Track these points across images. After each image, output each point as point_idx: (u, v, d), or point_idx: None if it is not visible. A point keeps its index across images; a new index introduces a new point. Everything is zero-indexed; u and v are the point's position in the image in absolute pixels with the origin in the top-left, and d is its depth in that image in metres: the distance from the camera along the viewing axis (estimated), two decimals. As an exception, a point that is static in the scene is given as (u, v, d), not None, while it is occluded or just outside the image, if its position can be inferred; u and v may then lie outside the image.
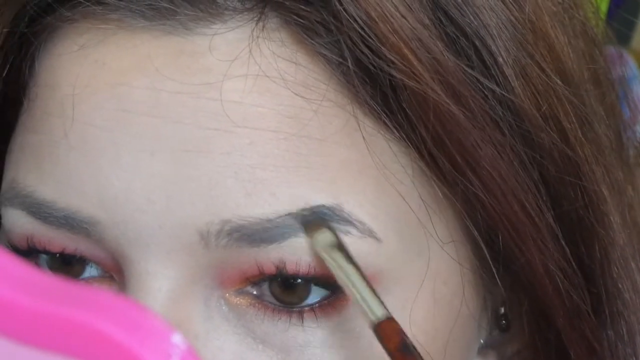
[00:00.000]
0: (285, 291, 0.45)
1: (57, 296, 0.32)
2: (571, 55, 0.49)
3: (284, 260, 0.44)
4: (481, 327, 0.51)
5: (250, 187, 0.44)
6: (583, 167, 0.49)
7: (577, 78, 0.49)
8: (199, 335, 0.45)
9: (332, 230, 0.44)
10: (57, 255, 0.47)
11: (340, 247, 0.43)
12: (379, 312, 0.43)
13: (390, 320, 0.42)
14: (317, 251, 0.44)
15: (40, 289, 0.32)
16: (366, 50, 0.44)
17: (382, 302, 0.43)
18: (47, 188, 0.46)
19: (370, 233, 0.45)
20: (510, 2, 0.47)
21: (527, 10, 0.48)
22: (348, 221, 0.44)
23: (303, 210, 0.44)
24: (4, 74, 0.49)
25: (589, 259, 0.50)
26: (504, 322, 0.51)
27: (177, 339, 0.31)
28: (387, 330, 0.42)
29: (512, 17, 0.47)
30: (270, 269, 0.44)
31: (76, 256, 0.46)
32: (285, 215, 0.44)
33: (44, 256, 0.47)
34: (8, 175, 0.48)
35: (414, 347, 0.42)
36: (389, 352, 0.42)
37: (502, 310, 0.51)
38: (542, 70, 0.48)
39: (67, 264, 0.47)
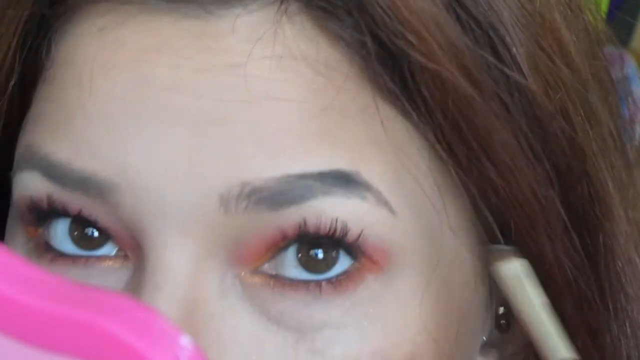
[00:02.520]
0: (312, 260, 0.45)
1: (65, 298, 0.32)
2: (578, 51, 0.50)
3: (304, 220, 0.44)
4: (485, 322, 0.51)
5: (271, 152, 0.44)
6: (590, 160, 0.49)
7: (584, 73, 0.50)
8: (215, 313, 0.45)
9: (520, 259, 0.43)
10: (79, 220, 0.46)
11: (532, 281, 0.43)
12: (565, 353, 0.42)
13: None
14: (503, 279, 0.43)
15: (49, 290, 0.32)
16: (387, 32, 0.45)
17: (567, 342, 0.42)
18: (62, 150, 0.45)
19: (385, 203, 0.45)
20: None
21: (537, 3, 0.48)
22: (365, 187, 0.45)
23: (322, 173, 0.44)
24: (23, 56, 0.49)
25: (594, 252, 0.50)
26: (503, 321, 0.51)
27: (185, 340, 0.31)
28: None
29: (523, 10, 0.48)
30: (291, 231, 0.44)
31: (97, 225, 0.46)
32: (304, 175, 0.44)
33: (62, 224, 0.47)
34: (23, 142, 0.47)
35: None
36: None
37: (502, 309, 0.51)
38: (553, 62, 0.48)
39: (88, 236, 0.47)
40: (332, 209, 0.44)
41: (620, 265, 0.51)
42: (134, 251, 0.46)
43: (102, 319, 0.32)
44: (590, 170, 0.49)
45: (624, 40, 1.25)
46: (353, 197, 0.45)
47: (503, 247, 0.44)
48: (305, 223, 0.44)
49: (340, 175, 0.44)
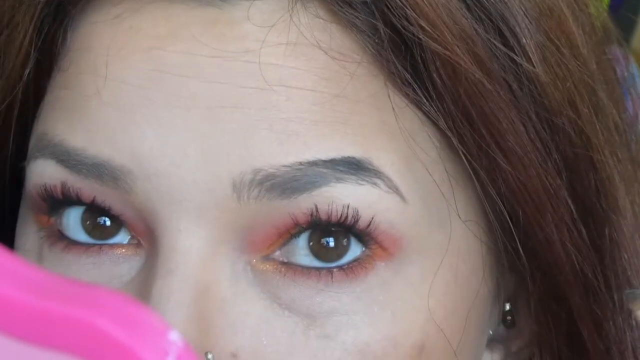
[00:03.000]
0: (323, 248, 0.46)
1: (53, 292, 0.32)
2: (585, 45, 0.51)
3: (315, 207, 0.45)
4: (492, 315, 0.51)
5: (283, 138, 0.45)
6: (597, 152, 0.50)
7: (591, 66, 0.51)
8: (226, 298, 0.45)
9: None
10: (92, 209, 0.46)
11: None
12: None
13: None
14: None
15: (38, 285, 0.32)
16: (399, 19, 0.46)
17: None
18: (77, 136, 0.46)
19: (396, 190, 0.46)
20: None
21: None
22: (376, 174, 0.45)
23: (333, 160, 0.45)
24: (39, 43, 0.49)
25: (600, 243, 0.51)
26: (509, 318, 0.52)
27: (174, 336, 0.31)
28: None
29: (533, 2, 0.49)
30: (303, 218, 0.45)
31: (111, 213, 0.46)
32: (315, 162, 0.45)
33: (74, 212, 0.47)
34: (37, 130, 0.48)
35: None
36: None
37: (508, 306, 0.52)
38: (561, 54, 0.49)
39: (101, 225, 0.47)
40: (343, 196, 0.45)
41: (626, 257, 0.52)
42: (147, 238, 0.46)
43: (90, 314, 0.32)
44: (597, 162, 0.50)
45: (624, 40, 1.25)
46: (365, 183, 0.45)
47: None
48: (317, 210, 0.45)
49: (351, 162, 0.45)
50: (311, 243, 0.46)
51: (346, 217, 0.45)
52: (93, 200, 0.46)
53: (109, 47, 0.46)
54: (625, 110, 0.55)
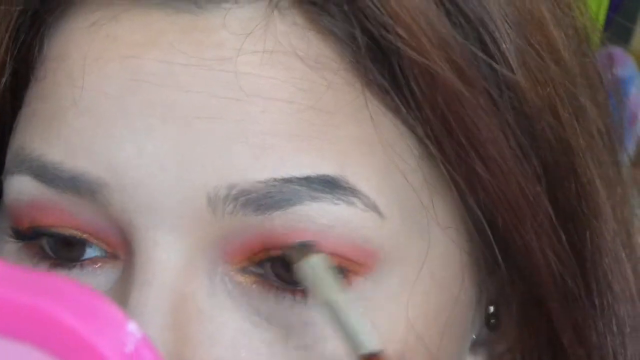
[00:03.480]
0: (288, 272, 0.45)
1: (9, 281, 0.32)
2: (566, 48, 0.50)
3: (288, 228, 0.44)
4: (475, 320, 0.51)
5: (259, 152, 0.44)
6: (577, 157, 0.49)
7: (572, 71, 0.50)
8: (204, 310, 0.45)
9: (325, 256, 0.43)
10: (58, 237, 0.46)
11: (331, 275, 0.43)
12: (367, 346, 0.42)
13: (376, 355, 0.42)
14: (307, 274, 0.43)
15: (-5, 275, 0.32)
16: (377, 26, 0.45)
17: (369, 335, 0.43)
18: (54, 151, 0.45)
19: (374, 207, 0.45)
20: None
21: (526, 0, 0.48)
22: (352, 192, 0.45)
23: (308, 177, 0.44)
24: (15, 53, 0.49)
25: (581, 249, 0.50)
26: (492, 320, 0.51)
27: (132, 327, 0.31)
28: None
29: (512, 6, 0.48)
30: (274, 243, 0.44)
31: (76, 237, 0.46)
32: (290, 179, 0.44)
33: (44, 239, 0.47)
34: (14, 144, 0.47)
35: None
36: None
37: (491, 309, 0.51)
38: (542, 58, 0.48)
39: (67, 246, 0.47)
40: (318, 215, 0.44)
41: (607, 262, 0.51)
42: (124, 249, 0.46)
43: (47, 303, 0.31)
44: (578, 166, 0.50)
45: (624, 40, 1.25)
46: (340, 202, 0.44)
47: (304, 242, 0.43)
48: (290, 229, 0.44)
49: (327, 180, 0.44)
50: (284, 260, 0.45)
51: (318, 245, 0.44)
52: (64, 226, 0.46)
53: (86, 56, 0.46)
54: (609, 114, 0.54)
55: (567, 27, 0.51)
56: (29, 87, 0.48)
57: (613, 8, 1.24)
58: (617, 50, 1.25)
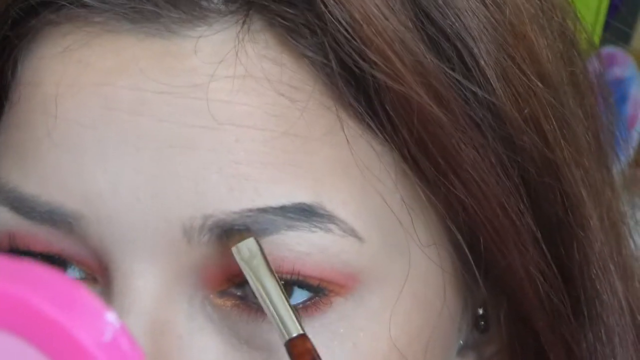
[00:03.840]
0: None
1: None
2: (550, 58, 0.49)
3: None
4: (461, 328, 0.51)
5: (234, 183, 0.43)
6: (562, 169, 0.49)
7: (556, 80, 0.49)
8: (183, 335, 0.44)
9: (256, 239, 0.43)
10: (38, 256, 0.46)
11: (262, 259, 0.43)
12: (293, 330, 0.42)
13: (302, 337, 0.42)
14: (236, 260, 0.43)
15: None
16: (350, 52, 0.44)
17: (297, 319, 0.43)
18: (30, 183, 0.45)
19: (352, 232, 0.45)
20: (490, 4, 0.47)
21: (507, 12, 0.47)
22: (329, 219, 0.44)
23: (284, 207, 0.44)
24: None
25: (568, 260, 0.50)
26: (482, 322, 0.51)
27: (110, 317, 0.31)
28: (299, 349, 0.42)
29: (492, 19, 0.47)
30: None
31: (56, 257, 0.46)
32: (266, 209, 0.43)
33: (24, 258, 0.46)
34: None
35: None
36: None
37: (481, 311, 0.51)
38: (523, 72, 0.47)
39: (49, 264, 0.46)
40: (295, 243, 0.44)
41: (595, 272, 0.51)
42: (102, 275, 0.46)
43: (25, 291, 0.31)
44: (562, 178, 0.49)
45: (624, 40, 1.24)
46: (317, 230, 0.44)
47: (243, 228, 0.43)
48: (268, 256, 0.44)
49: (303, 208, 0.44)
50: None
51: (299, 271, 0.44)
52: (44, 251, 0.46)
53: (59, 83, 0.45)
54: (598, 116, 0.54)
55: (552, 32, 0.50)
56: (4, 112, 0.48)
57: (613, 8, 1.23)
58: (617, 50, 1.25)
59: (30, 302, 0.31)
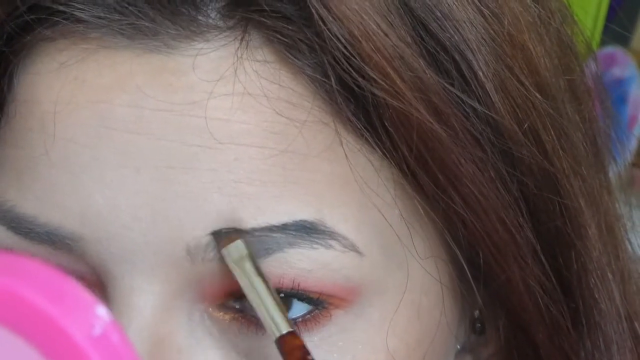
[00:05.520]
0: None
1: None
2: (548, 67, 0.49)
3: (267, 273, 0.44)
4: (459, 335, 0.51)
5: (236, 202, 0.43)
6: (561, 180, 0.49)
7: (554, 89, 0.49)
8: (182, 349, 0.44)
9: (245, 241, 0.43)
10: None
11: (251, 259, 0.43)
12: (283, 327, 0.42)
13: (292, 334, 0.42)
14: (226, 263, 0.43)
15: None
16: (349, 69, 0.44)
17: (286, 317, 0.43)
18: (28, 203, 0.45)
19: (352, 247, 0.45)
20: (489, 15, 0.47)
21: (505, 23, 0.47)
22: (330, 235, 0.44)
23: (285, 225, 0.44)
24: None
25: (566, 271, 0.50)
26: (479, 325, 0.51)
27: (101, 311, 0.31)
28: (289, 345, 0.42)
29: (491, 31, 0.47)
30: None
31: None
32: (268, 228, 0.43)
33: None
34: None
35: None
36: None
37: (477, 313, 0.51)
38: (521, 83, 0.47)
39: None
40: (297, 260, 0.44)
41: (594, 281, 0.51)
42: (101, 292, 0.45)
43: (16, 284, 0.31)
44: (561, 190, 0.49)
45: (624, 40, 1.24)
46: (318, 247, 0.44)
47: (232, 231, 0.43)
48: (269, 274, 0.44)
49: (304, 225, 0.44)
50: None
51: (298, 284, 0.44)
52: None
53: (56, 101, 0.45)
54: (595, 120, 0.53)
55: (551, 40, 0.50)
56: (0, 126, 0.47)
57: (613, 8, 1.23)
58: (617, 50, 1.25)
59: (20, 295, 0.31)
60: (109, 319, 0.31)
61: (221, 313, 0.45)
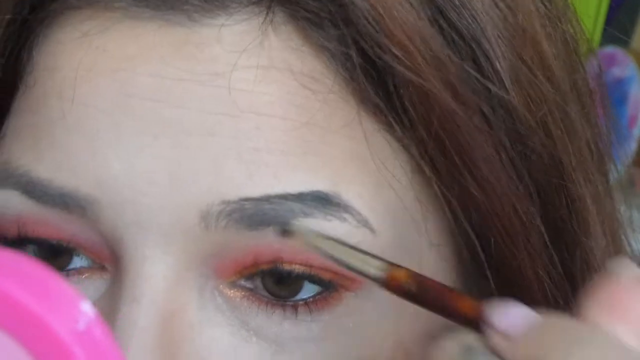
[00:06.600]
0: (278, 284, 0.45)
1: None
2: (558, 64, 0.49)
3: (280, 247, 0.44)
4: None
5: (253, 169, 0.44)
6: (568, 174, 0.49)
7: (563, 87, 0.50)
8: (194, 324, 0.44)
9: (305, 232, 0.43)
10: (44, 246, 0.46)
11: (321, 235, 0.43)
12: (382, 267, 0.42)
13: (395, 268, 0.42)
14: (306, 244, 0.43)
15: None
16: (372, 45, 0.45)
17: (378, 257, 0.42)
18: (43, 167, 0.45)
19: (365, 223, 0.45)
20: (504, 8, 0.47)
21: (520, 17, 0.48)
22: (345, 209, 0.44)
23: (301, 194, 0.44)
24: (3, 62, 0.48)
25: (571, 265, 0.50)
26: None
27: (85, 306, 0.31)
28: (399, 279, 0.41)
29: (506, 23, 0.47)
30: (266, 257, 0.44)
31: (63, 245, 0.46)
32: (284, 195, 0.44)
33: (30, 247, 0.46)
34: (0, 157, 0.47)
35: (429, 279, 0.41)
36: (414, 297, 0.41)
37: None
38: (535, 76, 0.48)
39: (54, 254, 0.46)
40: None
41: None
42: (112, 263, 0.45)
43: (1, 280, 0.31)
44: (569, 183, 0.49)
45: (624, 40, 1.24)
46: (333, 219, 0.44)
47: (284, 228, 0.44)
48: (280, 255, 0.44)
49: (320, 196, 0.44)
50: (274, 274, 0.45)
51: (309, 261, 0.44)
52: (51, 237, 0.46)
53: (77, 67, 0.45)
54: (599, 127, 0.54)
55: (558, 40, 0.50)
56: (16, 96, 0.48)
57: (613, 8, 1.23)
58: (617, 50, 1.24)
59: (4, 290, 0.30)
60: (93, 314, 0.30)
61: (232, 291, 0.45)
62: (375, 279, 0.42)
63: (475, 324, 0.38)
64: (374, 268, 0.42)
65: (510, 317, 0.37)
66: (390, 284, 0.41)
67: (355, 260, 0.42)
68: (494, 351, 0.37)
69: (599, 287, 0.38)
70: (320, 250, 0.43)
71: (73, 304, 0.30)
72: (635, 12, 1.27)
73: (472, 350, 0.36)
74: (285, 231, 0.43)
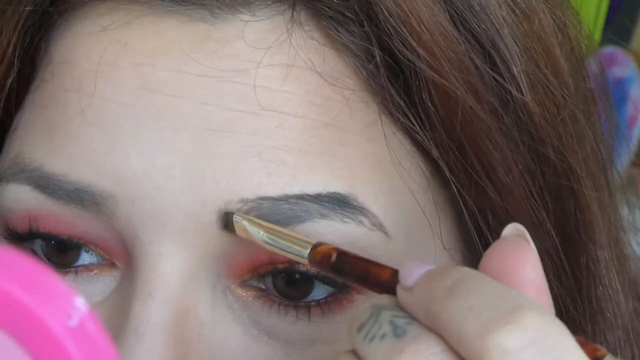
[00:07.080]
0: (289, 285, 0.45)
1: None
2: (568, 71, 0.50)
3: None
4: None
5: (272, 168, 0.44)
6: (577, 182, 0.49)
7: (573, 95, 0.50)
8: (205, 323, 0.44)
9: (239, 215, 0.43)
10: (52, 241, 0.46)
11: (251, 220, 0.43)
12: (307, 246, 0.43)
13: (318, 245, 0.42)
14: (239, 233, 0.43)
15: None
16: (397, 44, 0.45)
17: (303, 238, 0.43)
18: (57, 161, 0.45)
19: (380, 227, 0.45)
20: (520, 14, 0.48)
21: (535, 24, 0.48)
22: (361, 211, 0.44)
23: (319, 195, 0.44)
24: (22, 53, 0.48)
25: (577, 272, 0.50)
26: None
27: (78, 301, 0.31)
28: (322, 252, 0.42)
29: (522, 30, 0.48)
30: (280, 257, 0.44)
31: (73, 241, 0.46)
32: (302, 196, 0.43)
33: (39, 242, 0.46)
34: (11, 151, 0.46)
35: (350, 253, 0.42)
36: (337, 270, 0.42)
37: None
38: (549, 82, 0.48)
39: (62, 250, 0.46)
40: (327, 232, 0.44)
41: (601, 289, 0.51)
42: (124, 259, 0.45)
43: None
44: (577, 191, 0.49)
45: (624, 40, 1.24)
46: (349, 221, 0.44)
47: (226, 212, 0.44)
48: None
49: (337, 197, 0.44)
50: (275, 283, 0.45)
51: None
52: (61, 233, 0.45)
53: (98, 61, 0.45)
54: (602, 135, 0.54)
55: (566, 46, 0.50)
56: (31, 89, 0.47)
57: (613, 8, 1.23)
58: (617, 50, 1.24)
59: (-4, 284, 0.30)
60: (86, 309, 0.30)
61: (243, 290, 0.45)
62: (301, 256, 0.42)
63: (393, 290, 0.38)
64: (301, 247, 0.42)
65: (412, 272, 0.37)
66: (315, 259, 0.42)
67: (285, 242, 0.43)
68: (399, 306, 0.38)
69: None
70: (256, 237, 0.43)
71: (66, 299, 0.30)
72: (635, 12, 1.27)
73: (379, 307, 0.37)
74: (227, 226, 0.43)
